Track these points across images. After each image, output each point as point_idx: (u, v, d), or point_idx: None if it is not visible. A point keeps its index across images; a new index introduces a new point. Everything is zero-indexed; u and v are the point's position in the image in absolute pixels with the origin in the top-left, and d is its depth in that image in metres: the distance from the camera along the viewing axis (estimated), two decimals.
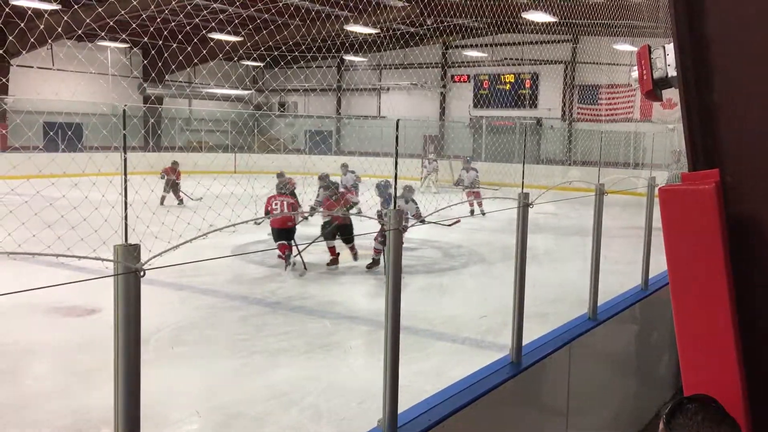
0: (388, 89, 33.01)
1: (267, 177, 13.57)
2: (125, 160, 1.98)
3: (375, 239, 9.45)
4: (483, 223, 14.01)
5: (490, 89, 29.67)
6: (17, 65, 25.25)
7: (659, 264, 3.53)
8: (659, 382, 5.59)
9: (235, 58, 28.90)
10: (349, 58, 32.79)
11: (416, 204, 10.17)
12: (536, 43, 26.94)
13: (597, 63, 25.23)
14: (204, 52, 23.96)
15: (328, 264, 9.69)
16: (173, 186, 15.49)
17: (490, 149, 27.46)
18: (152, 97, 28.98)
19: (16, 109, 25.22)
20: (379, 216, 8.22)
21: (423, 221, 9.42)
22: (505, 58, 27.45)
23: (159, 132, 29.86)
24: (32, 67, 25.40)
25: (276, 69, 30.86)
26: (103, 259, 1.69)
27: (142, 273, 1.68)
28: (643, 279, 5.51)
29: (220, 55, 25.47)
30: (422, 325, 6.96)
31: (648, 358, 5.47)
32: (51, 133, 23.44)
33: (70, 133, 26.64)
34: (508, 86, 29.16)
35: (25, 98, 24.59)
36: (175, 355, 5.80)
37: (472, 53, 28.58)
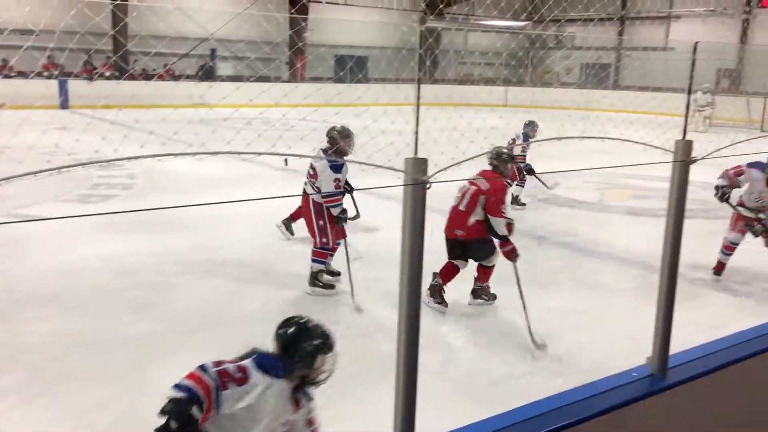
0: (680, 17, 29.89)
1: (539, 112, 13.30)
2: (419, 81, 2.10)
3: None
4: None
5: None
6: (312, 1, 27.57)
7: None
8: None
9: None
10: None
11: None
12: None
13: None
14: None
15: None
16: None
17: None
18: (425, 30, 29.58)
19: (312, 44, 27.71)
20: None
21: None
22: None
23: (438, 64, 30.65)
24: (322, 2, 27.57)
25: None
26: (394, 169, 1.85)
27: (428, 185, 1.80)
28: None
29: None
30: (699, 274, 6.46)
31: None
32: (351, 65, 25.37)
33: (351, 64, 28.42)
34: None
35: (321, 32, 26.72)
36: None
37: None
